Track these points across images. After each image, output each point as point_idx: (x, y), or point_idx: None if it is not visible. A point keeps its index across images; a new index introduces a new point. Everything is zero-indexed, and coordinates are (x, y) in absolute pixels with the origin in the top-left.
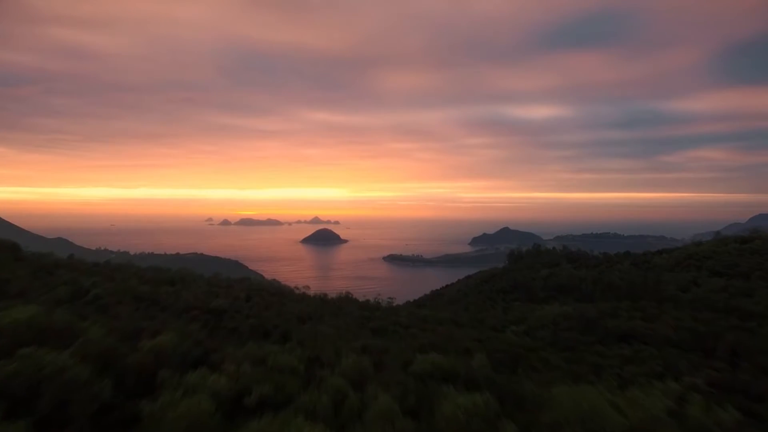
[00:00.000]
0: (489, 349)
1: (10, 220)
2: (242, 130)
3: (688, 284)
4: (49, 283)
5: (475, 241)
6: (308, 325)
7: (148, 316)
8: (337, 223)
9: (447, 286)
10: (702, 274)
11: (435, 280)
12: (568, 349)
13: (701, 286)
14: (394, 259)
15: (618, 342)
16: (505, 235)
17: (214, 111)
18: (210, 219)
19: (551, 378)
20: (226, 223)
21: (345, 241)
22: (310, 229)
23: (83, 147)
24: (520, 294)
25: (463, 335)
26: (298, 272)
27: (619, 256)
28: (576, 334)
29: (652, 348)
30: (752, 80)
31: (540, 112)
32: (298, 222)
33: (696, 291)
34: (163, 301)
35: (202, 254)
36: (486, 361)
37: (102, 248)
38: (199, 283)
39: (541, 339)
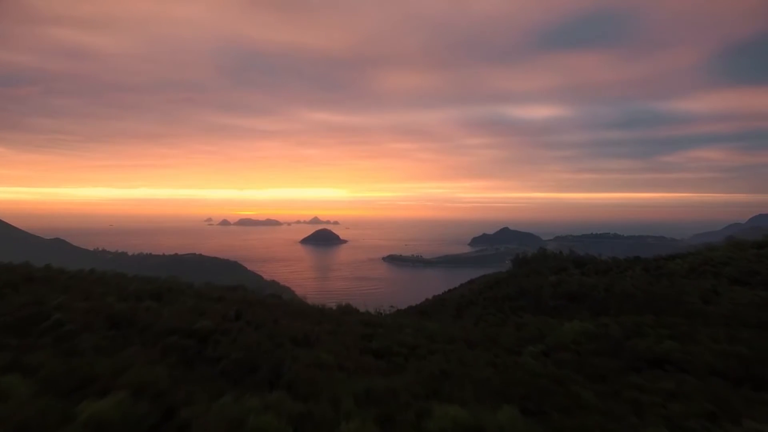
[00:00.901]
0: (509, 380)
1: (8, 221)
2: (242, 130)
3: (709, 294)
4: (11, 304)
5: (475, 241)
6: (303, 349)
7: (117, 345)
8: (336, 223)
9: (449, 290)
10: (721, 282)
11: (435, 281)
12: (598, 378)
13: (724, 296)
14: (393, 260)
15: (652, 368)
16: (504, 235)
17: (214, 111)
18: (209, 219)
19: (590, 425)
20: (225, 223)
21: (344, 241)
22: (310, 230)
23: (83, 147)
24: (527, 301)
25: (477, 359)
26: (298, 273)
27: (629, 260)
28: (604, 358)
29: (693, 378)
30: (752, 80)
31: (540, 112)
32: (298, 222)
33: (721, 302)
34: (140, 322)
35: (200, 255)
36: (515, 412)
37: (100, 249)
38: (187, 296)
39: (564, 364)
